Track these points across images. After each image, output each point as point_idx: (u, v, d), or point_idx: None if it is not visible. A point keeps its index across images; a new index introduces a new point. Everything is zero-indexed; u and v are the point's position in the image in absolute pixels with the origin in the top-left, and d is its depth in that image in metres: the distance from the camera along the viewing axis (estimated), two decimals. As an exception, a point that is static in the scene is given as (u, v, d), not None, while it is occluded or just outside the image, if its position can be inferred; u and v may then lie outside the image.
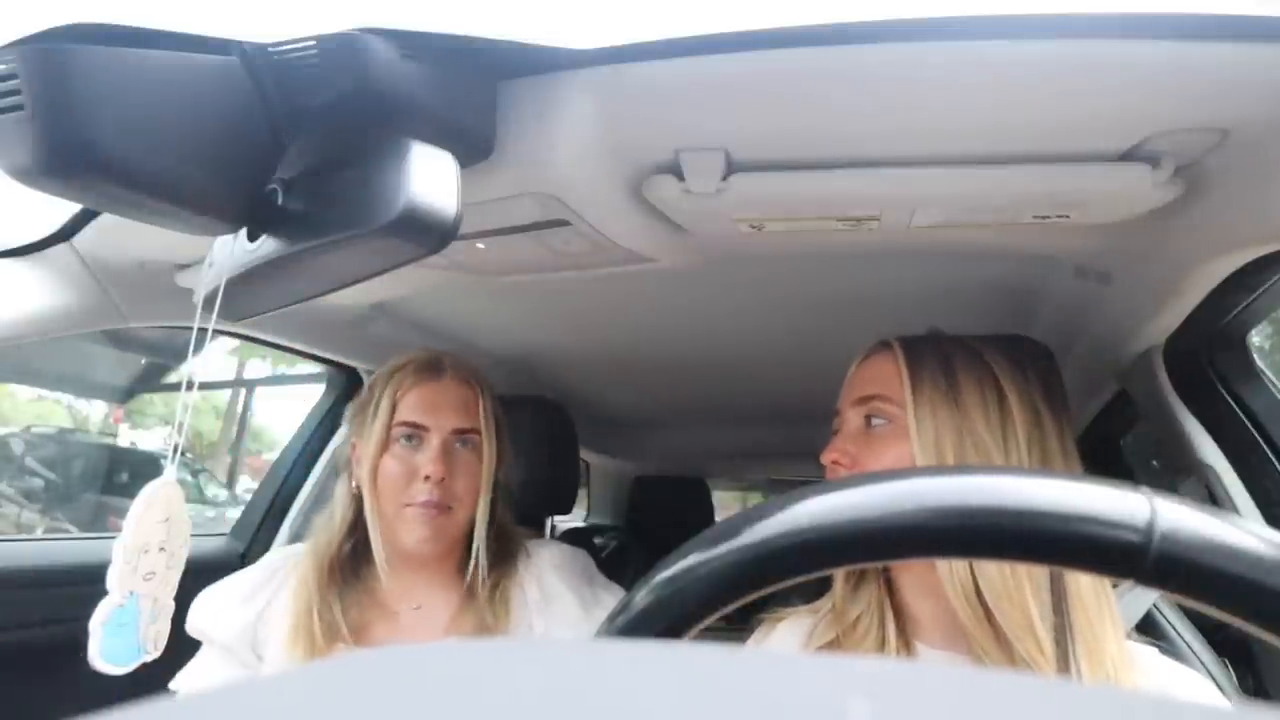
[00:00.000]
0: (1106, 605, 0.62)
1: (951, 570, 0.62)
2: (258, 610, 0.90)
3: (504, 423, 0.97)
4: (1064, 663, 0.60)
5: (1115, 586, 0.68)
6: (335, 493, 0.96)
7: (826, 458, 0.71)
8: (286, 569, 0.93)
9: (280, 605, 0.90)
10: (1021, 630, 0.60)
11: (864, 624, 0.69)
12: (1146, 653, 0.65)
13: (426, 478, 0.87)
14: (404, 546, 0.89)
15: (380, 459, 0.89)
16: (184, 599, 0.71)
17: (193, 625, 0.90)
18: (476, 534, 0.92)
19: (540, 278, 0.90)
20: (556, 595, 0.94)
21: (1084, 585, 0.62)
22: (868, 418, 0.70)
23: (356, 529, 0.92)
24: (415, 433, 0.90)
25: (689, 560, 0.30)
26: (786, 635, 0.74)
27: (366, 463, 0.89)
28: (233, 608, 0.90)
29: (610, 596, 0.98)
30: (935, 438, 0.65)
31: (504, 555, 0.96)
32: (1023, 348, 0.73)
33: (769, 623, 0.77)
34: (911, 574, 0.68)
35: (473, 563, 0.92)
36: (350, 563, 0.92)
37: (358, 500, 0.92)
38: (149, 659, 0.68)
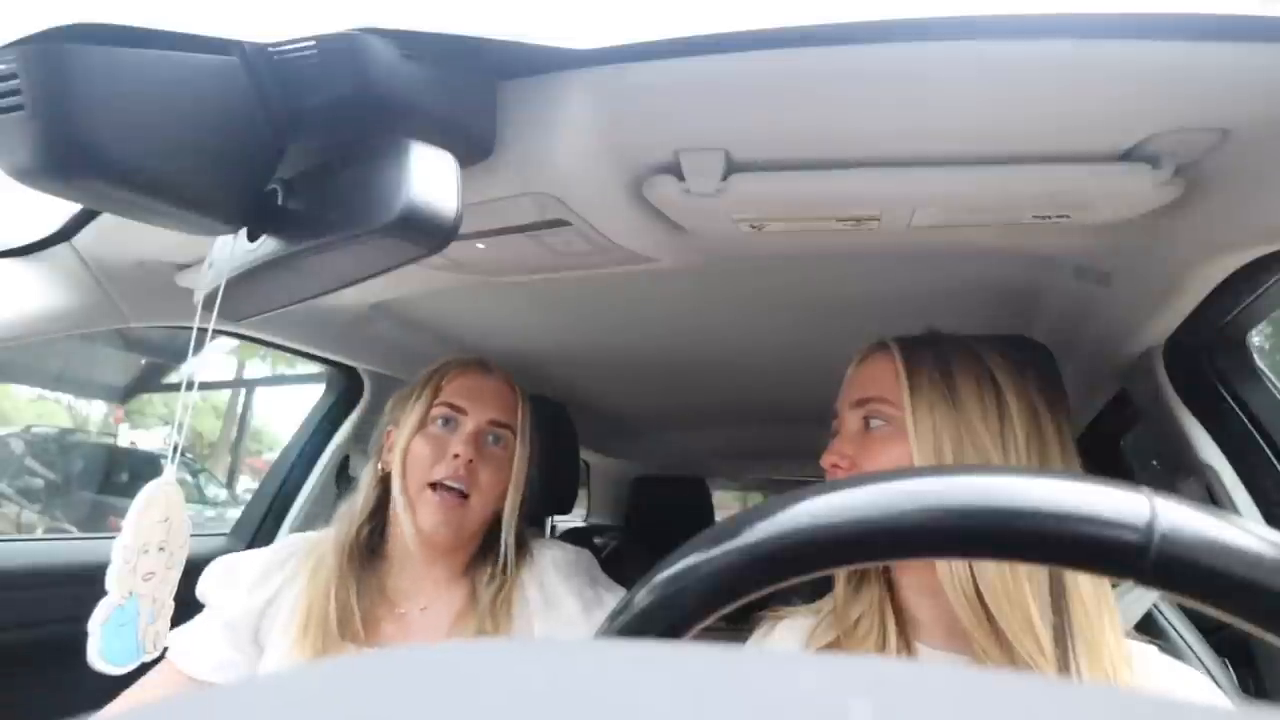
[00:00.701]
0: (1105, 604, 0.62)
1: (951, 570, 0.62)
2: (266, 598, 0.90)
3: (536, 435, 1.00)
4: (1064, 662, 0.60)
5: (1115, 586, 0.68)
6: (361, 479, 0.98)
7: (826, 461, 0.71)
8: (299, 557, 0.93)
9: (290, 597, 0.90)
10: (1021, 630, 0.60)
11: (865, 624, 0.69)
12: (1147, 651, 0.65)
13: (455, 456, 0.89)
14: (420, 529, 0.90)
15: (413, 439, 0.91)
16: (183, 599, 0.71)
17: (202, 591, 0.91)
18: (504, 532, 0.94)
19: (540, 278, 0.90)
20: (558, 598, 0.94)
21: (1083, 584, 0.62)
22: (866, 419, 0.70)
23: (376, 515, 0.95)
24: (453, 415, 0.93)
25: (689, 560, 0.30)
26: (786, 635, 0.74)
27: (401, 440, 0.91)
28: (241, 590, 0.90)
29: (612, 597, 0.97)
30: (934, 439, 0.65)
31: (513, 560, 0.96)
32: (1022, 348, 0.73)
33: (770, 620, 0.77)
34: (912, 574, 0.68)
35: (500, 559, 0.94)
36: (366, 551, 0.93)
37: (382, 484, 0.94)
38: (148, 659, 0.68)
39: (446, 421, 0.93)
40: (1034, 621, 0.59)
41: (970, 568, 0.61)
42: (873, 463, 0.68)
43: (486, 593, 0.92)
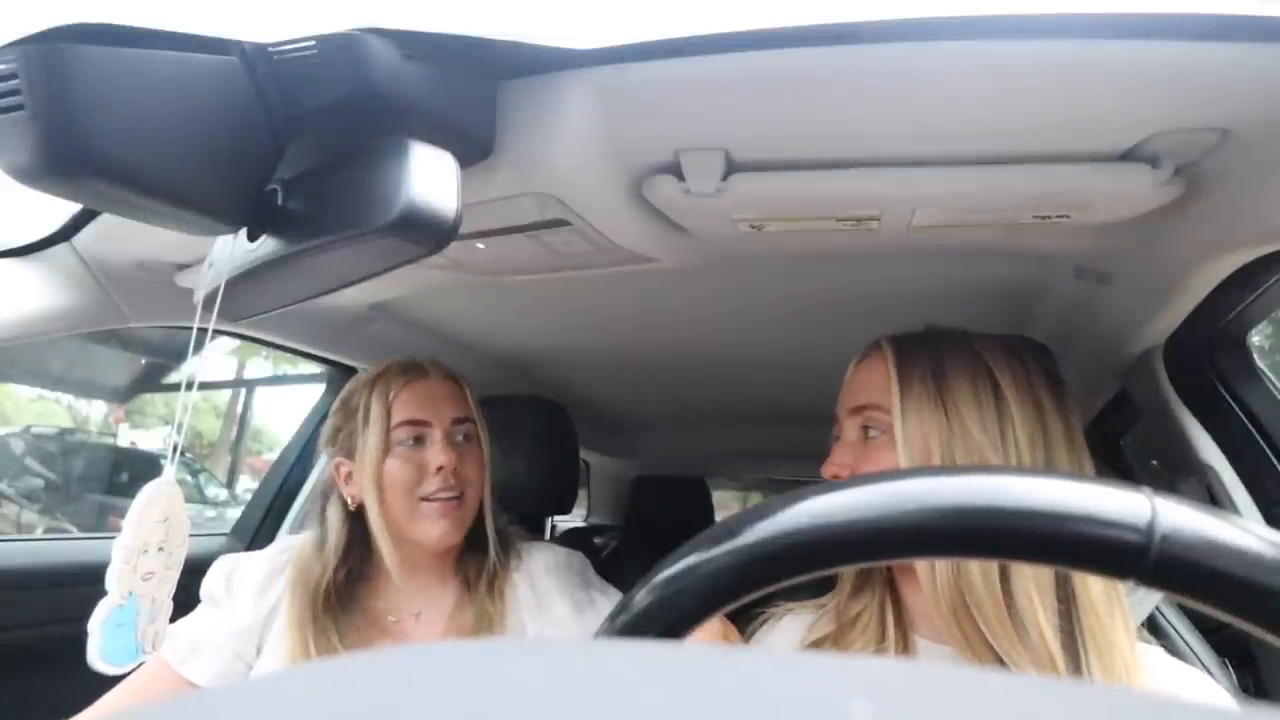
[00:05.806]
0: (1117, 605, 0.61)
1: (932, 569, 0.61)
2: (270, 606, 0.89)
3: (490, 419, 0.99)
4: (1074, 663, 0.59)
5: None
6: (327, 519, 0.93)
7: (826, 471, 0.70)
8: (291, 563, 0.92)
9: (285, 610, 0.89)
10: (1000, 627, 0.59)
11: (864, 619, 0.69)
12: (1153, 653, 0.64)
13: (439, 469, 0.88)
14: (423, 543, 0.89)
15: (383, 464, 0.88)
16: (183, 599, 0.71)
17: (209, 592, 0.90)
18: (488, 519, 0.94)
19: (540, 278, 0.90)
20: (550, 599, 0.94)
21: (1093, 585, 0.61)
22: (864, 428, 0.69)
23: (352, 554, 0.91)
24: (418, 430, 0.90)
25: (689, 560, 0.30)
26: (789, 629, 0.75)
27: (368, 470, 0.88)
28: (248, 600, 0.89)
29: (605, 599, 0.97)
30: (922, 444, 0.64)
31: (501, 552, 0.96)
32: (1022, 346, 0.73)
33: (774, 616, 0.77)
34: (909, 570, 0.68)
35: (492, 549, 0.94)
36: (346, 588, 0.90)
37: (351, 520, 0.91)
38: (147, 659, 0.68)
39: (417, 440, 0.90)
40: (1036, 620, 0.59)
41: (953, 565, 0.61)
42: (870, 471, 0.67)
43: (480, 585, 0.93)
